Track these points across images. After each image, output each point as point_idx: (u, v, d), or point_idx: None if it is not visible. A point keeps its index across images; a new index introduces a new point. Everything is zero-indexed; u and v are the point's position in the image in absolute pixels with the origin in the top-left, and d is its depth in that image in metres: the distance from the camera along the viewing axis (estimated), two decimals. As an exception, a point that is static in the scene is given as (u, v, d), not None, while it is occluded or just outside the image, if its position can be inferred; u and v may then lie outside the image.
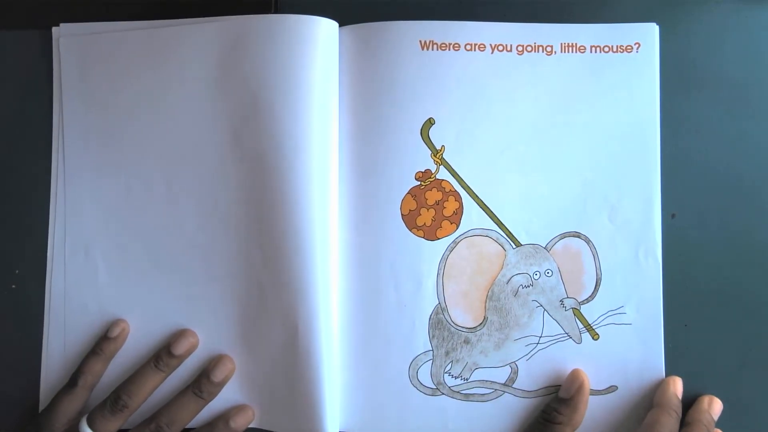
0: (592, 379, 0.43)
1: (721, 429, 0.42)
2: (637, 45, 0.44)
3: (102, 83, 0.43)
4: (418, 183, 0.43)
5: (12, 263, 0.44)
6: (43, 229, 0.44)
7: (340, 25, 0.43)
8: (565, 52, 0.44)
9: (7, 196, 0.45)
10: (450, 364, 0.43)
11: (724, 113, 0.44)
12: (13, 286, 0.44)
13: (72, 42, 0.43)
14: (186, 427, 0.41)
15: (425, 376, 0.43)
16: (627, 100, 0.44)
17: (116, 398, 0.40)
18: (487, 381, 0.43)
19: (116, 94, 0.43)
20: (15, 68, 0.45)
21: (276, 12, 0.43)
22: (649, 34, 0.44)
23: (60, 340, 0.43)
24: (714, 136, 0.44)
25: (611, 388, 0.43)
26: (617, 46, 0.44)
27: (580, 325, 0.43)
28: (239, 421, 0.41)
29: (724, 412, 0.42)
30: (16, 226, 0.44)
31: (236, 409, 0.42)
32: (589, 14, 0.44)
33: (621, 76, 0.44)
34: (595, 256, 0.43)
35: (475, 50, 0.43)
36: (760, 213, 0.44)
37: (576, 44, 0.44)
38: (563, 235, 0.43)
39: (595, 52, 0.44)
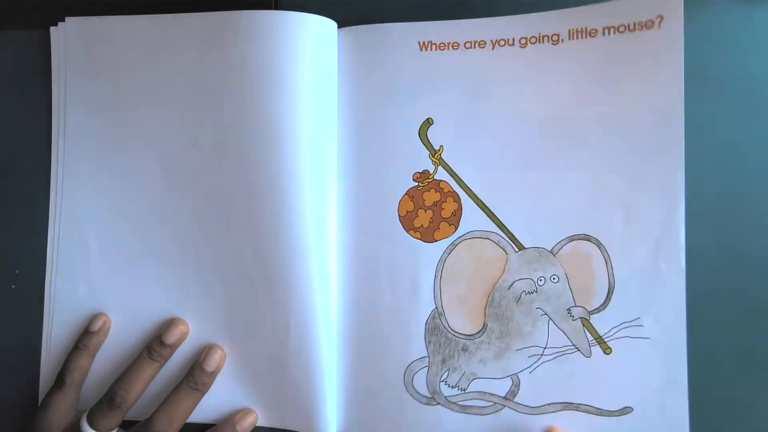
0: (603, 398, 0.38)
1: (721, 429, 0.40)
2: (659, 18, 0.39)
3: (104, 73, 0.44)
4: (416, 184, 0.42)
5: (12, 263, 0.45)
6: (43, 230, 0.44)
7: (339, 27, 0.43)
8: (573, 38, 0.40)
9: (7, 197, 0.45)
10: (447, 373, 0.41)
11: (724, 113, 0.41)
12: (13, 287, 0.45)
13: (77, 32, 0.44)
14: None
15: (421, 384, 0.41)
16: (648, 86, 0.39)
17: (113, 394, 0.41)
18: (486, 393, 0.41)
19: (117, 85, 0.44)
20: (13, 66, 0.45)
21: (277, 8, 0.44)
22: (672, 3, 0.39)
23: (60, 336, 0.44)
24: (714, 135, 0.41)
25: (625, 410, 0.38)
26: (635, 24, 0.39)
27: (590, 337, 0.39)
28: (245, 425, 0.42)
29: (724, 412, 0.40)
30: (16, 226, 0.45)
31: (242, 413, 0.43)
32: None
33: (641, 57, 0.39)
34: (608, 261, 0.39)
35: (474, 48, 0.42)
36: (760, 213, 0.41)
37: (586, 28, 0.40)
38: (571, 238, 0.40)
39: (609, 34, 0.40)
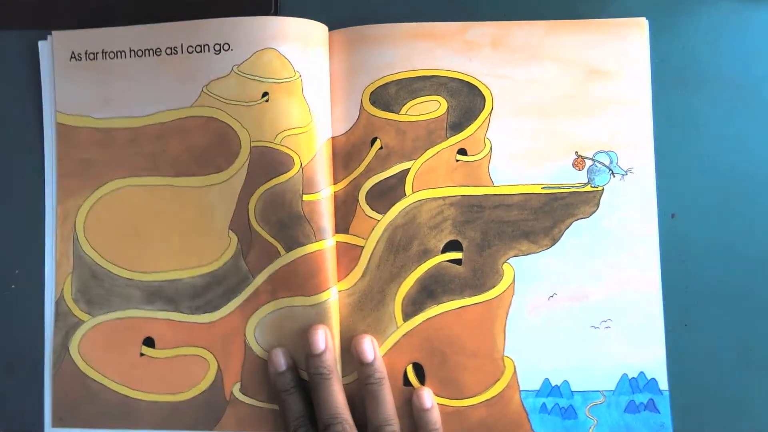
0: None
1: (721, 429, 0.42)
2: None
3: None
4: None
5: (12, 263, 0.45)
6: (43, 230, 0.45)
7: (330, 29, 0.44)
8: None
9: (6, 197, 0.45)
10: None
11: (723, 113, 0.44)
12: (13, 286, 0.45)
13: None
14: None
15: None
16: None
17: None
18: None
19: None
20: (4, 70, 0.46)
21: (276, 14, 0.45)
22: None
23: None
24: (713, 135, 0.44)
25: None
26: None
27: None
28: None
29: (724, 412, 0.42)
30: (16, 226, 0.45)
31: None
32: (581, 11, 0.44)
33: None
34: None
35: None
36: (760, 213, 0.43)
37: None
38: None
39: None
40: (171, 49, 0.44)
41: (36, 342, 0.44)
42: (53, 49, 0.45)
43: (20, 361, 0.44)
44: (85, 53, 0.44)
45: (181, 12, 0.44)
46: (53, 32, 0.45)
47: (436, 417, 0.41)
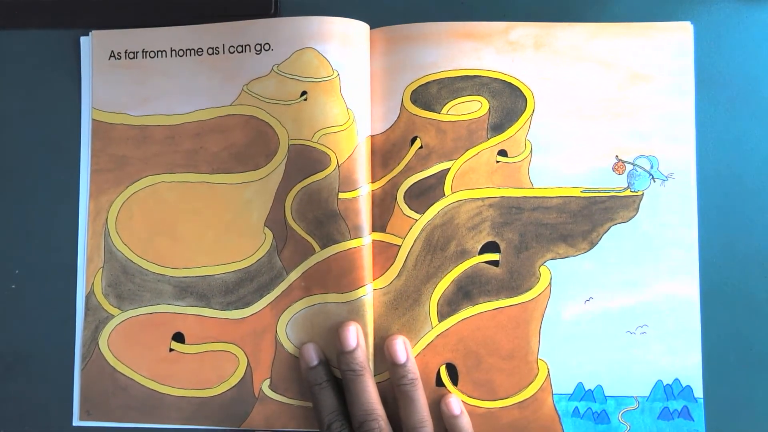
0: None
1: (721, 429, 0.42)
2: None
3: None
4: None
5: (12, 263, 0.45)
6: (43, 229, 0.45)
7: (371, 28, 0.44)
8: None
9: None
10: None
11: (724, 113, 0.43)
12: (13, 286, 0.45)
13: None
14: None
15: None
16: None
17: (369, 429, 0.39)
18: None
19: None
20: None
21: (276, 14, 0.45)
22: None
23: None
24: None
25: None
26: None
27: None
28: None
29: (724, 411, 0.42)
30: (16, 226, 0.45)
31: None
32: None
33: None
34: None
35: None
36: (760, 213, 0.43)
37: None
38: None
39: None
40: (213, 49, 0.44)
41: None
42: (92, 48, 0.45)
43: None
44: (125, 52, 0.45)
45: (178, 13, 0.45)
46: (92, 32, 0.45)
47: (465, 422, 0.41)
